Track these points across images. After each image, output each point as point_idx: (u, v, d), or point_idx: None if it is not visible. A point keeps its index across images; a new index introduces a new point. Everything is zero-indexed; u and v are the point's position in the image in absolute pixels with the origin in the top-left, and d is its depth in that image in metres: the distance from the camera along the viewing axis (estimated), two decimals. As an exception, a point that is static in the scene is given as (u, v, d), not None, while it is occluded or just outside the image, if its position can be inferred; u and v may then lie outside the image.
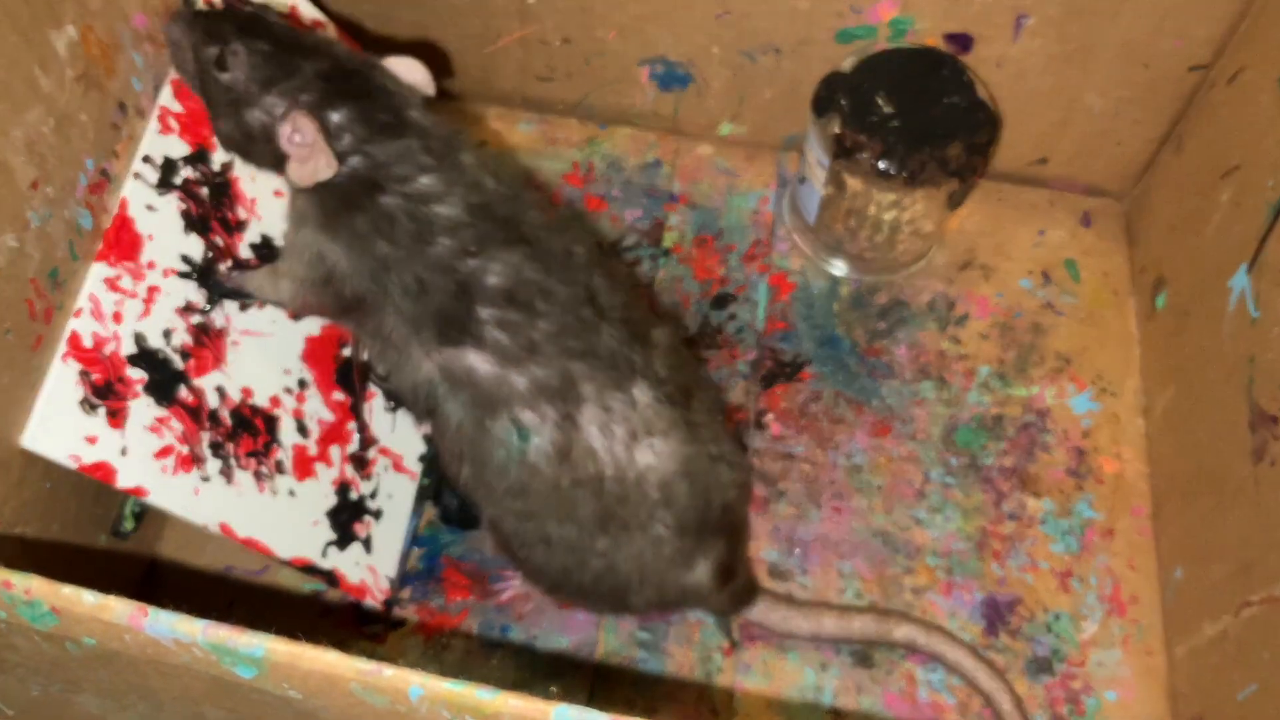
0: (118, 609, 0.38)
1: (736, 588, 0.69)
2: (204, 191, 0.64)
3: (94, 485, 0.63)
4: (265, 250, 0.67)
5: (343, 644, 0.37)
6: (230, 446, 0.62)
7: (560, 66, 0.88)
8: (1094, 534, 0.76)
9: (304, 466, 0.66)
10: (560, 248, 0.61)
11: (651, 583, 0.65)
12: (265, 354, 0.66)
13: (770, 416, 0.80)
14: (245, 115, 0.58)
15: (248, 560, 0.73)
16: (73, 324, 0.56)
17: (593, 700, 0.69)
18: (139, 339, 0.59)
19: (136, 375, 0.58)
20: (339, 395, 0.70)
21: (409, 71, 0.62)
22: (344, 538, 0.68)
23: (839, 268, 0.86)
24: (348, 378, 0.71)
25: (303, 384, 0.68)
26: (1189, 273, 0.77)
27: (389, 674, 0.36)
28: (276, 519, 0.64)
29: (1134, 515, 0.77)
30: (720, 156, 0.92)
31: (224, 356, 0.63)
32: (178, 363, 0.61)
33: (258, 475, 0.63)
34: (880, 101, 0.77)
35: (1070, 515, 0.77)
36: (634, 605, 0.67)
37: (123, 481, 0.57)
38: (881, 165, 0.75)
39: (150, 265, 0.60)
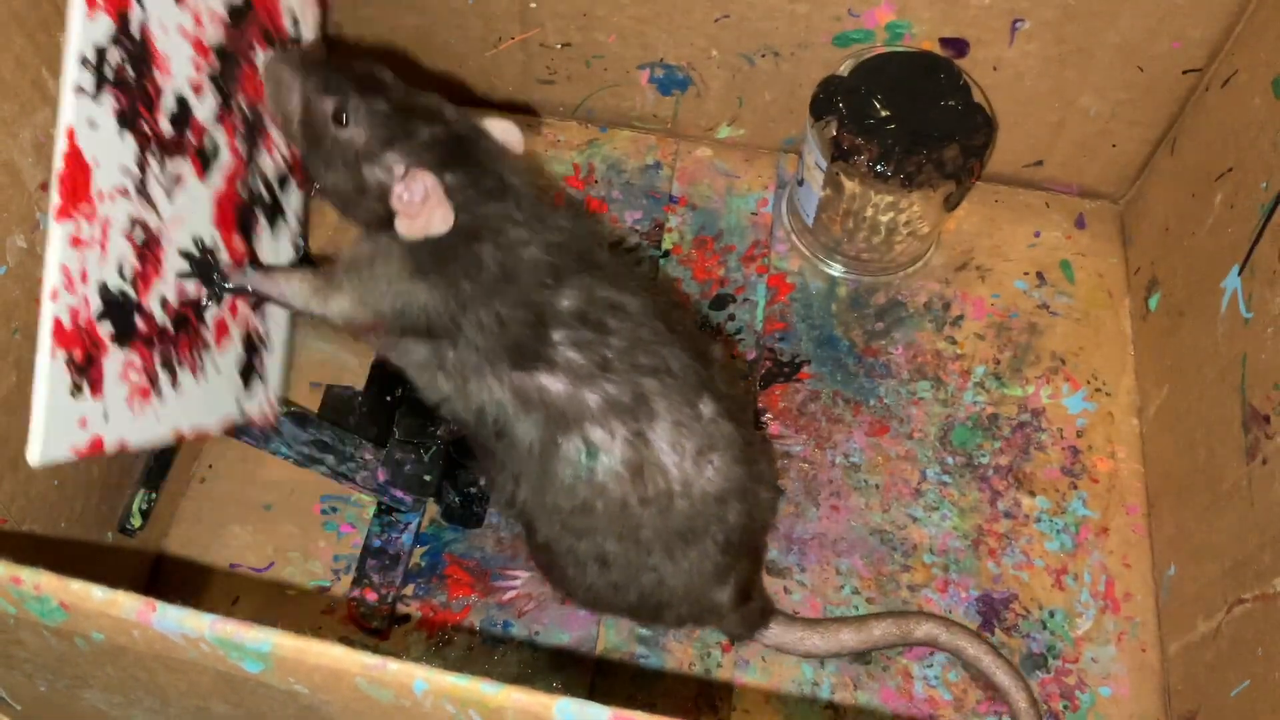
0: (126, 604, 0.38)
1: (750, 610, 0.69)
2: (129, 73, 0.57)
3: (101, 483, 0.64)
4: (182, 113, 0.62)
5: (345, 641, 0.37)
6: (174, 354, 0.61)
7: (561, 70, 0.89)
8: (1089, 532, 0.77)
9: (220, 331, 0.66)
10: (626, 269, 0.64)
11: (691, 599, 0.66)
12: (187, 240, 0.64)
13: (769, 416, 0.81)
14: (363, 170, 0.61)
15: (253, 557, 0.74)
16: (52, 309, 0.52)
17: (593, 696, 0.70)
18: (103, 290, 0.56)
19: (105, 331, 0.56)
20: (239, 243, 0.68)
21: (505, 133, 0.65)
22: (248, 381, 0.69)
23: (837, 269, 0.87)
24: (245, 222, 0.69)
25: (213, 250, 0.66)
26: (1183, 274, 0.78)
27: (394, 668, 0.37)
28: (208, 398, 0.64)
29: (1128, 513, 0.78)
30: (719, 159, 0.93)
31: (162, 264, 0.61)
32: (131, 293, 0.58)
33: (194, 368, 0.63)
34: (877, 104, 0.78)
35: (1065, 513, 0.78)
36: (666, 620, 0.69)
37: (109, 446, 0.55)
38: (879, 167, 0.76)
39: (100, 196, 0.56)
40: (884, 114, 0.77)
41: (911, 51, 0.80)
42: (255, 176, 0.69)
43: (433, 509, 0.76)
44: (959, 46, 0.81)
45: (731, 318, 0.85)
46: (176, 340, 0.62)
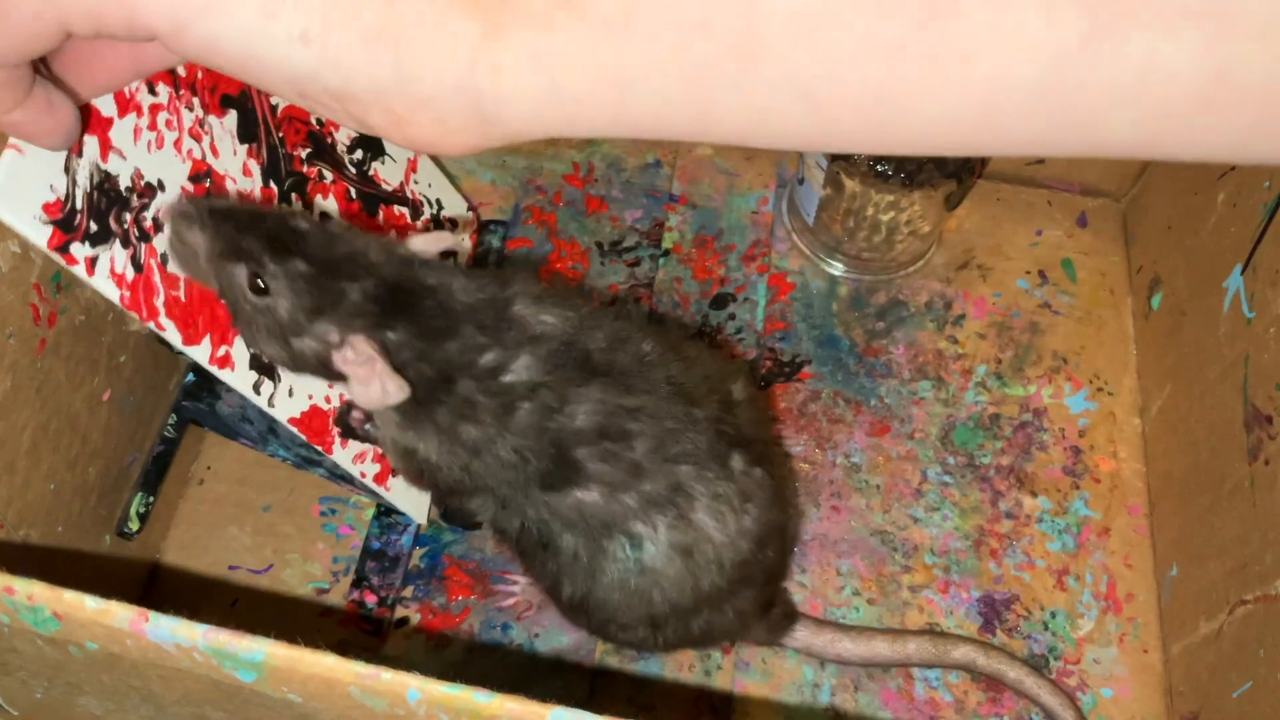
0: (119, 614, 0.38)
1: (774, 617, 0.69)
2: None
3: (98, 486, 0.64)
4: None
5: (344, 643, 0.37)
6: None
7: (560, 68, 0.88)
8: (1090, 532, 0.77)
9: None
10: (632, 356, 0.58)
11: (731, 633, 0.67)
12: None
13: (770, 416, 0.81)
14: (293, 342, 0.54)
15: (251, 560, 0.74)
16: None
17: (593, 698, 0.70)
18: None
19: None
20: None
21: (437, 243, 0.58)
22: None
23: (838, 268, 0.87)
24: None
25: None
26: (1185, 273, 0.78)
27: (387, 677, 0.37)
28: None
29: (1130, 514, 0.78)
30: (720, 157, 0.92)
31: None
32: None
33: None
34: (878, 103, 0.77)
35: (1067, 514, 0.77)
36: (703, 647, 0.70)
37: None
38: (879, 166, 0.76)
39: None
40: (884, 113, 0.77)
41: (912, 50, 0.80)
42: None
43: (432, 510, 0.76)
44: (960, 44, 0.81)
45: (732, 317, 0.84)
46: None
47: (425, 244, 0.58)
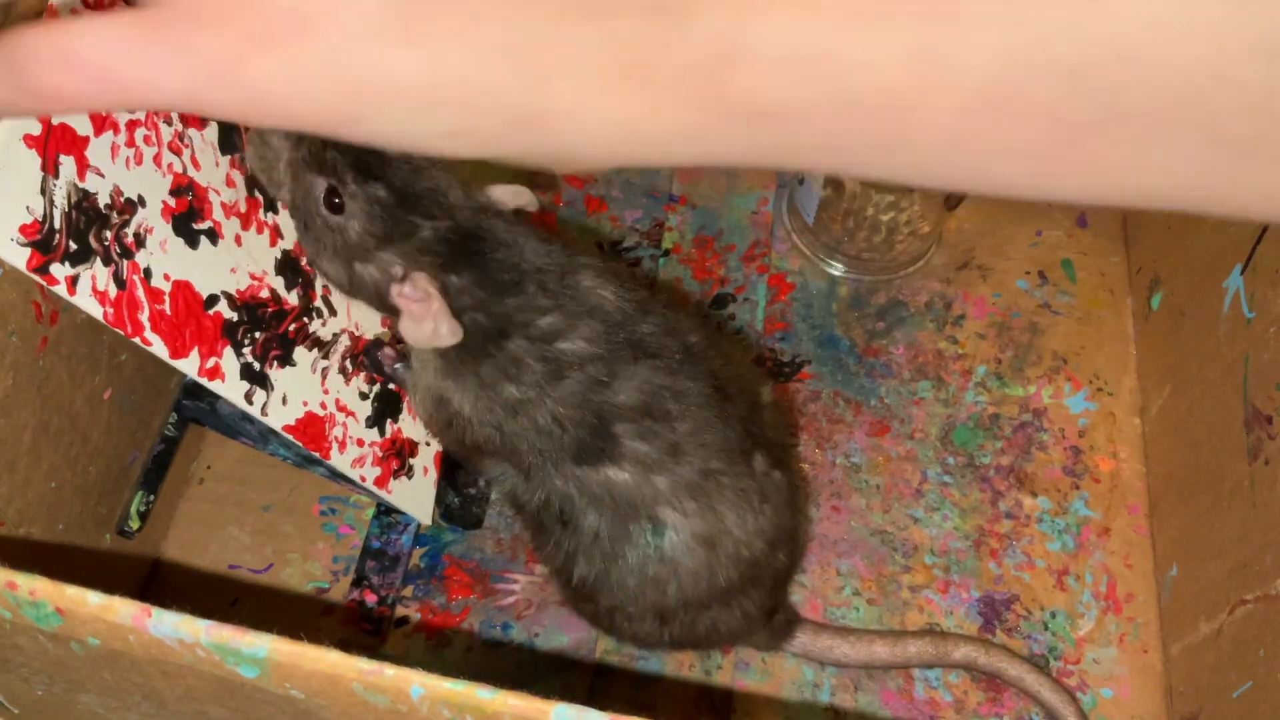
0: (122, 610, 0.38)
1: (777, 623, 0.69)
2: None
3: (99, 485, 0.64)
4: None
5: (345, 642, 0.37)
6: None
7: (560, 68, 0.89)
8: (1090, 532, 0.77)
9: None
10: (679, 344, 0.59)
11: (737, 636, 0.67)
12: None
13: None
14: (355, 266, 0.55)
15: (251, 559, 0.74)
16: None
17: (593, 698, 0.70)
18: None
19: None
20: None
21: (515, 197, 0.59)
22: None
23: (838, 268, 0.87)
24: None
25: None
26: (1185, 273, 0.78)
27: (390, 674, 0.37)
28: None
29: (1130, 514, 0.78)
30: (719, 157, 0.92)
31: None
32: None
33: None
34: (878, 103, 0.77)
35: (1067, 514, 0.78)
36: (703, 648, 0.70)
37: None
38: (879, 166, 0.76)
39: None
40: (884, 113, 0.77)
41: (912, 50, 0.80)
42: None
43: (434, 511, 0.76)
44: (960, 45, 0.81)
45: (732, 317, 0.84)
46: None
47: (505, 195, 0.58)
